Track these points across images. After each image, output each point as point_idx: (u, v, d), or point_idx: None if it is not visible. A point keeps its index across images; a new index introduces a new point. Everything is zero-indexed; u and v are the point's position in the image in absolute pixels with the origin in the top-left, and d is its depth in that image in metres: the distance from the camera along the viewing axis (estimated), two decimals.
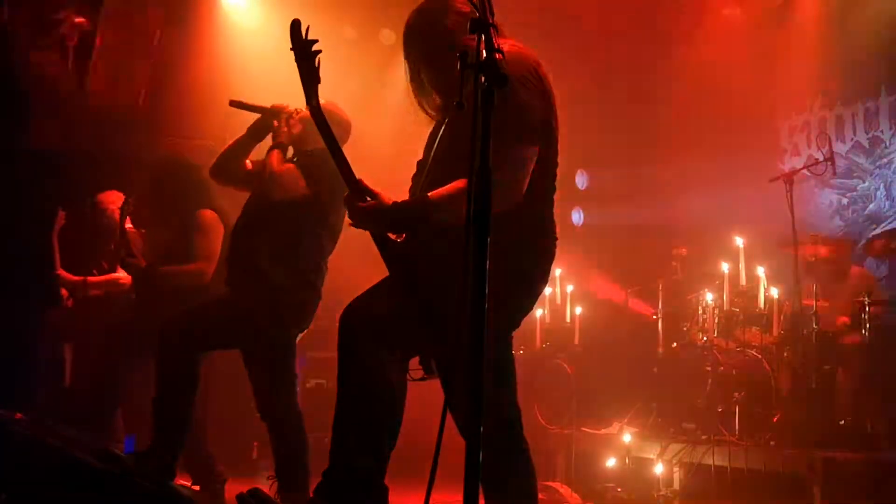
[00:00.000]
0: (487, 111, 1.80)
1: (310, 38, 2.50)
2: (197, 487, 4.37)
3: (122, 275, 5.09)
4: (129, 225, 4.75)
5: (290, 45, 2.49)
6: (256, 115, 3.91)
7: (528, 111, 2.38)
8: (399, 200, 2.45)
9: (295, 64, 2.53)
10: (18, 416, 3.28)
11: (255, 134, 3.87)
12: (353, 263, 4.09)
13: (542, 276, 2.60)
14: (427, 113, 2.67)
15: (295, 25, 2.49)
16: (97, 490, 2.73)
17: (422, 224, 2.42)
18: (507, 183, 2.29)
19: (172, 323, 3.72)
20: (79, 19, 6.22)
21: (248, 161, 3.97)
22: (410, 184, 2.70)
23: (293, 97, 3.90)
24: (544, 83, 2.50)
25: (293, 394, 3.83)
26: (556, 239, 2.61)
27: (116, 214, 5.05)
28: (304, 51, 2.49)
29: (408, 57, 2.66)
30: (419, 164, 2.69)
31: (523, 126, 2.37)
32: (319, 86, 2.54)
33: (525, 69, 2.42)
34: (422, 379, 2.55)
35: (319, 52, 2.50)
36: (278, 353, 3.83)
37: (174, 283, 4.29)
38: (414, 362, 2.57)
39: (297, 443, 3.74)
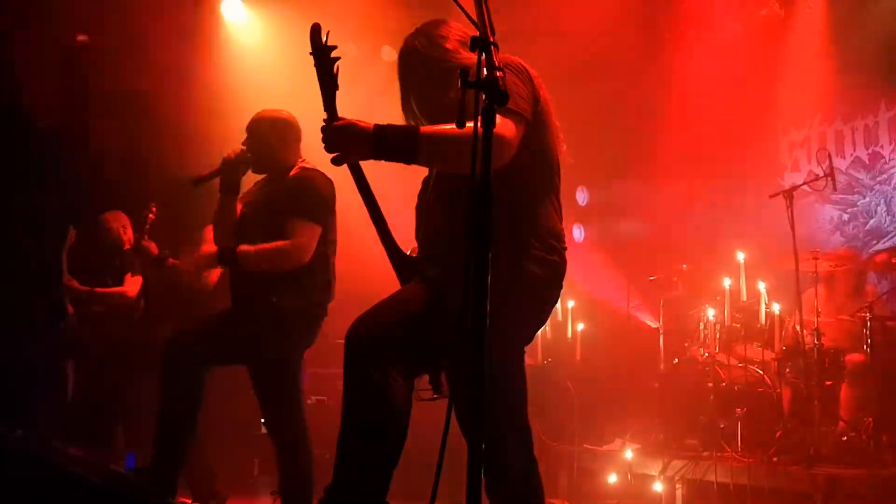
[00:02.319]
0: (489, 129, 1.81)
1: (329, 43, 2.46)
2: None
3: (128, 289, 5.10)
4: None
5: (310, 50, 2.44)
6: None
7: (511, 89, 2.29)
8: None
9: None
10: (18, 432, 3.27)
11: (229, 189, 3.75)
12: (358, 278, 4.10)
13: (543, 282, 2.51)
14: None
15: (315, 30, 2.45)
16: None
17: (406, 154, 2.33)
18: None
19: (177, 338, 3.69)
20: (81, 37, 6.26)
21: None
22: (416, 201, 2.70)
23: (294, 106, 3.92)
24: (530, 76, 2.48)
25: (302, 410, 3.82)
26: (564, 248, 2.56)
27: (119, 233, 5.07)
28: (323, 56, 2.44)
29: (400, 82, 2.65)
30: (424, 181, 2.70)
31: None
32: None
33: (510, 62, 2.42)
34: (431, 399, 2.53)
35: (338, 58, 2.45)
36: (287, 370, 3.82)
37: (184, 278, 4.30)
38: (423, 382, 2.55)
39: (304, 460, 3.73)
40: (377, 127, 2.33)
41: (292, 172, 3.77)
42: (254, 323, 3.70)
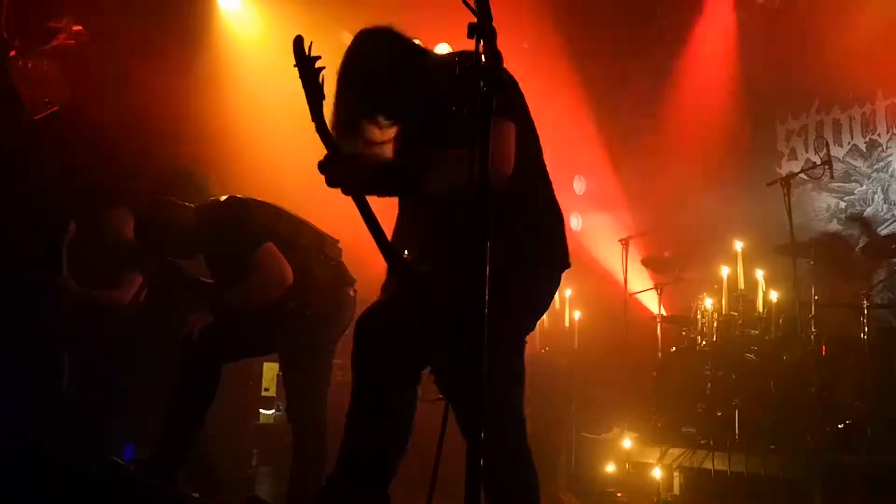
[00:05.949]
0: (487, 117, 1.80)
1: (313, 53, 2.45)
2: (196, 495, 4.36)
3: (127, 289, 5.08)
4: None
5: (294, 63, 2.43)
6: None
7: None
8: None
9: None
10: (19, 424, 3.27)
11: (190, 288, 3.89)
12: (359, 272, 4.09)
13: (542, 272, 2.53)
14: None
15: (298, 42, 2.42)
16: (97, 499, 2.72)
17: (411, 184, 2.35)
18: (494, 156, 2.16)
19: (195, 337, 3.64)
20: (76, 27, 6.22)
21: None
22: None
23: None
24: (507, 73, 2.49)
25: (323, 402, 3.84)
26: (564, 237, 2.57)
27: (119, 228, 5.04)
28: (308, 67, 2.42)
29: (343, 95, 2.60)
30: None
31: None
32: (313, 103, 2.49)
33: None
34: (436, 400, 2.51)
35: (323, 68, 2.44)
36: (308, 362, 3.85)
37: (185, 273, 4.29)
38: (428, 382, 2.54)
39: (318, 449, 3.76)
40: (378, 160, 2.34)
41: (202, 233, 3.78)
42: (266, 320, 3.68)
